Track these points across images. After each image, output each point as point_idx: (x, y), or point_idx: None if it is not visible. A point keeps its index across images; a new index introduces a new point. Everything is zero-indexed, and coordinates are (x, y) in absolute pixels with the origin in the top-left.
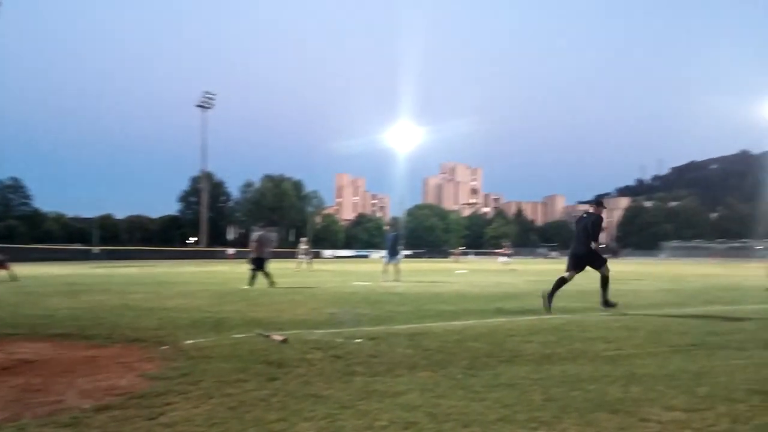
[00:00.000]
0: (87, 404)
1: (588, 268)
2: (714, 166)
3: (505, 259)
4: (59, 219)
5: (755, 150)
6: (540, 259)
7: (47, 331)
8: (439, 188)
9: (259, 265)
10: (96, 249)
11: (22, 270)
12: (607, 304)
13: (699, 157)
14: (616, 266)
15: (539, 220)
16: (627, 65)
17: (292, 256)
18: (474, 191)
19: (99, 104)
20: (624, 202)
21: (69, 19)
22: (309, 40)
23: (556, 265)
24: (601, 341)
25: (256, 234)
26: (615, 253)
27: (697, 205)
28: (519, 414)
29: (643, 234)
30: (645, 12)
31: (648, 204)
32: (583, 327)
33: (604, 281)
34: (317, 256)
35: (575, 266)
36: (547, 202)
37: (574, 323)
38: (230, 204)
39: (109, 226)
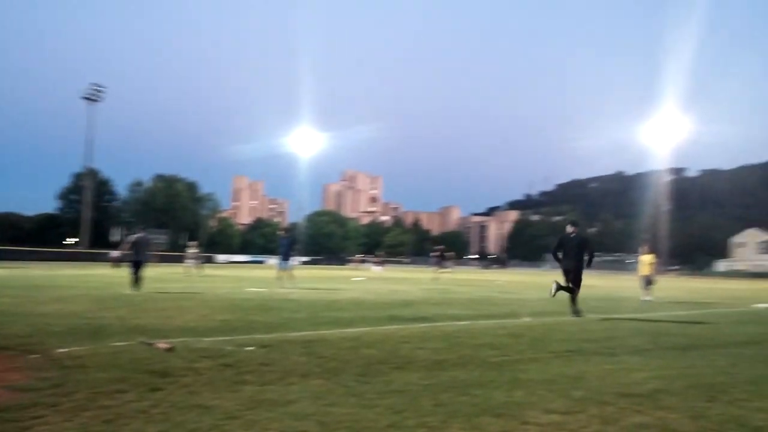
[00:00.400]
0: None
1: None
2: (594, 185)
3: (378, 268)
4: None
5: (630, 171)
6: (434, 268)
7: None
8: (340, 195)
9: (137, 267)
10: None
11: None
12: (576, 313)
13: (581, 175)
14: (503, 276)
15: (435, 230)
16: (519, 84)
17: (182, 260)
18: (373, 200)
19: None
20: (513, 215)
21: None
22: (209, 37)
23: (449, 275)
24: (488, 348)
25: (133, 236)
26: (503, 264)
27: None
28: (409, 420)
29: (529, 245)
30: (537, 32)
31: (535, 218)
32: (473, 334)
33: (574, 294)
34: (209, 260)
35: (566, 276)
36: (443, 212)
37: (463, 330)
38: (117, 203)
39: None
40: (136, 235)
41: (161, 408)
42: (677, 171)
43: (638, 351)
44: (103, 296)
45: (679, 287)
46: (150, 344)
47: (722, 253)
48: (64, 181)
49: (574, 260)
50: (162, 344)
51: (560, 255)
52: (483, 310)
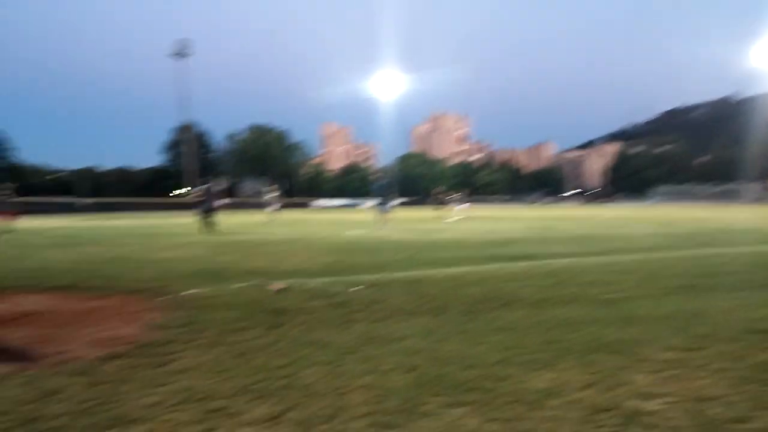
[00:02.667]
0: (95, 354)
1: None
2: (701, 111)
3: (463, 206)
4: (41, 172)
5: (741, 95)
6: (531, 206)
7: (46, 283)
8: (427, 137)
9: (208, 213)
10: (82, 201)
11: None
12: None
13: (686, 102)
14: (607, 211)
15: (529, 167)
16: (616, 11)
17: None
18: (462, 139)
19: (79, 55)
20: (613, 148)
21: None
22: None
23: (547, 212)
24: (596, 285)
25: (204, 186)
26: (608, 198)
27: (685, 149)
28: (518, 356)
29: (632, 179)
30: None
31: (637, 149)
32: (578, 271)
33: None
34: (304, 205)
35: None
36: (536, 149)
37: (568, 268)
38: (216, 155)
39: (95, 178)
40: (205, 186)
41: (283, 343)
42: None
43: (764, 286)
44: (217, 242)
45: None
46: (265, 285)
47: None
48: (170, 135)
49: None
50: (276, 285)
51: None
52: (588, 246)
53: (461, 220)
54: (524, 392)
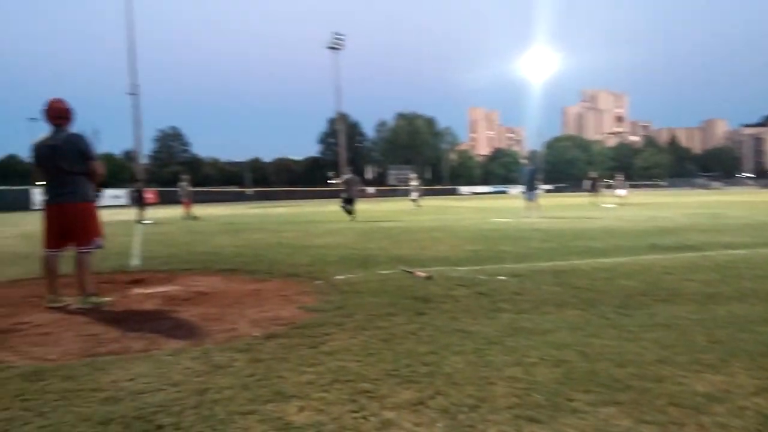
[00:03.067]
0: (257, 332)
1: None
2: None
3: (622, 191)
4: (215, 164)
5: None
6: (699, 191)
7: (216, 266)
8: (580, 117)
9: (349, 202)
10: (249, 191)
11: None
12: None
13: None
14: None
15: (696, 148)
16: None
17: (427, 194)
18: (619, 119)
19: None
20: None
21: None
22: None
23: (718, 197)
24: None
25: (344, 177)
26: None
27: None
28: (680, 356)
29: None
30: None
31: None
32: (753, 264)
33: None
34: (452, 192)
35: None
36: (705, 126)
37: (741, 260)
38: (366, 143)
39: (258, 169)
40: (346, 177)
41: (427, 331)
42: None
43: None
44: (366, 229)
45: None
46: (411, 272)
47: None
48: (322, 126)
49: None
50: (421, 272)
51: None
52: (763, 237)
53: (618, 206)
54: (684, 395)
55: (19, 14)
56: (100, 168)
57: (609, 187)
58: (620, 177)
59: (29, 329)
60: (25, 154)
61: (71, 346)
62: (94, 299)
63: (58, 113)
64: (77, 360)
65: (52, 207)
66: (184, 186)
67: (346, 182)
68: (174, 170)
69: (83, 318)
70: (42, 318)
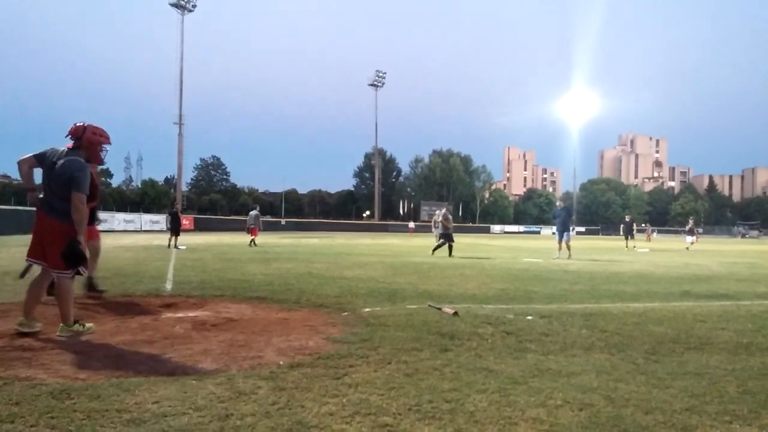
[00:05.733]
0: (282, 361)
1: None
2: None
3: (692, 238)
4: (252, 193)
5: None
6: (737, 239)
7: (246, 294)
8: (617, 161)
9: (447, 238)
10: (283, 221)
11: (223, 239)
12: None
13: None
14: None
15: (736, 196)
16: None
17: (459, 231)
18: (657, 164)
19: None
20: None
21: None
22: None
23: (756, 246)
24: None
25: (443, 211)
26: None
27: None
28: (709, 405)
29: None
30: None
31: None
32: None
33: None
34: (484, 231)
35: None
36: (746, 174)
37: None
38: (401, 179)
39: (293, 200)
40: (443, 211)
41: (451, 367)
42: None
43: None
44: (395, 263)
45: None
46: (438, 308)
47: None
48: (358, 160)
49: None
50: (448, 309)
51: None
52: None
53: (652, 251)
54: None
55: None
56: (78, 201)
57: (644, 231)
58: (648, 226)
59: (62, 347)
60: None
61: (100, 365)
62: (76, 327)
63: (71, 133)
64: (105, 380)
65: (39, 214)
66: (253, 215)
67: (445, 218)
68: (212, 198)
69: (114, 339)
70: (75, 337)
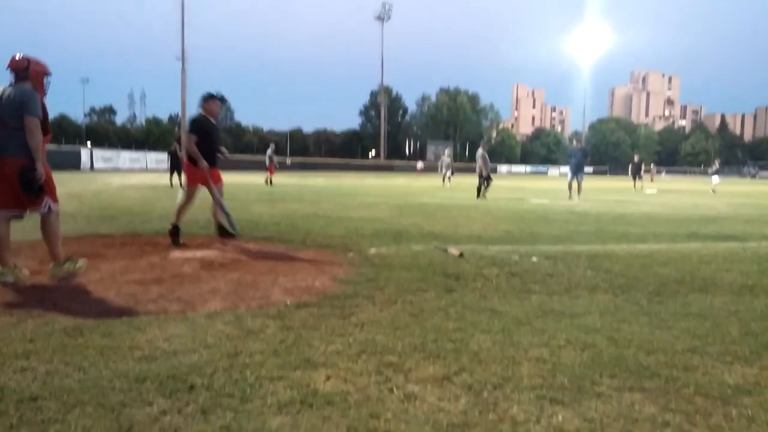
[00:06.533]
0: (289, 300)
1: None
2: None
3: (717, 179)
4: (257, 132)
5: None
6: (747, 179)
7: (253, 234)
8: (628, 99)
9: (488, 179)
10: (288, 160)
11: (228, 178)
12: None
13: None
14: None
15: (748, 135)
16: None
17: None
18: (669, 102)
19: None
20: None
21: None
22: None
23: (764, 186)
24: None
25: (481, 152)
26: None
27: None
28: (711, 346)
29: None
30: None
31: None
32: None
33: None
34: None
35: None
36: (759, 113)
37: None
38: (407, 118)
39: (298, 139)
40: (482, 152)
41: (456, 308)
42: None
43: None
44: (401, 204)
45: None
46: (443, 249)
47: None
48: (364, 98)
49: None
50: (453, 250)
51: None
52: None
53: (660, 192)
54: (713, 386)
55: None
56: (32, 125)
57: (654, 171)
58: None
59: (73, 287)
60: (76, 115)
61: (111, 304)
62: (67, 266)
63: (11, 66)
64: (116, 318)
65: None
66: (270, 153)
67: (483, 159)
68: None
69: (124, 278)
70: (86, 277)
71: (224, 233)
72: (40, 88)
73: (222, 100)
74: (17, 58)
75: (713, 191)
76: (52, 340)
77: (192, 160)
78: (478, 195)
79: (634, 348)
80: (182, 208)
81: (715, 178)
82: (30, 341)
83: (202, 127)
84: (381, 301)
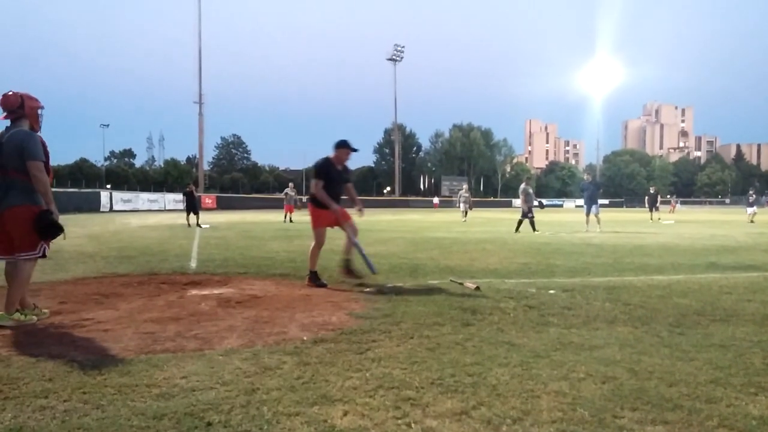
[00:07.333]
0: (306, 336)
1: None
2: None
3: (752, 209)
4: (273, 171)
5: None
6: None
7: (270, 271)
8: (642, 132)
9: (529, 214)
10: (304, 198)
11: (246, 217)
12: None
13: None
14: None
15: (765, 165)
16: None
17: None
18: (683, 134)
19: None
20: None
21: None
22: None
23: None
24: None
25: (523, 189)
26: None
27: None
28: (735, 377)
29: None
30: None
31: None
32: None
33: None
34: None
35: None
36: None
37: None
38: (421, 154)
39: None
40: (526, 188)
41: (474, 342)
42: None
43: None
44: (416, 239)
45: None
46: (460, 283)
47: None
48: (378, 136)
49: None
50: (470, 283)
51: None
52: None
53: (678, 223)
54: (737, 418)
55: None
56: (35, 170)
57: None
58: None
59: (92, 325)
60: (97, 158)
61: (130, 342)
62: (16, 315)
63: (5, 105)
64: (135, 356)
65: None
66: (289, 192)
67: (525, 194)
68: (234, 176)
69: (141, 317)
70: (104, 315)
71: (349, 270)
72: (36, 123)
73: (353, 149)
74: (10, 96)
75: (751, 221)
76: (70, 379)
77: (316, 203)
78: (517, 229)
79: (655, 380)
80: (314, 253)
81: (750, 209)
82: (49, 380)
83: (323, 171)
84: (398, 336)
